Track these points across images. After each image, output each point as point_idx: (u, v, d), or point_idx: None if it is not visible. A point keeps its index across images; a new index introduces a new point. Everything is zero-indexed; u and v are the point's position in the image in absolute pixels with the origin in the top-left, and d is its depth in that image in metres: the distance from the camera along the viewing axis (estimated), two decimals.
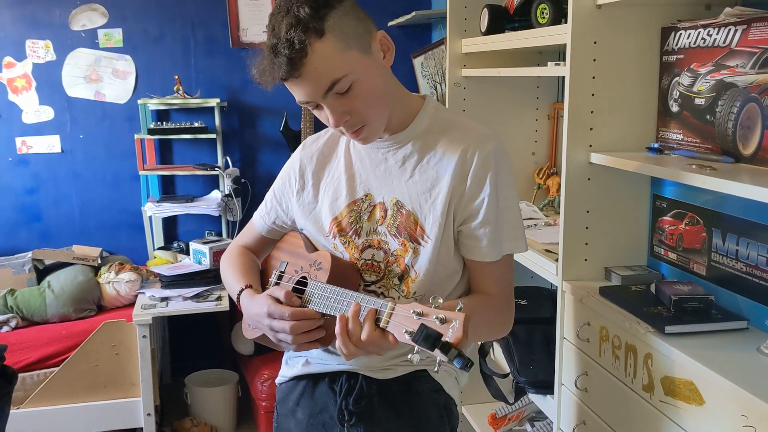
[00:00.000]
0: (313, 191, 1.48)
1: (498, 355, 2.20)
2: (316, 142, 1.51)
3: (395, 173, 1.39)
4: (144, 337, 3.00)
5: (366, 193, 1.41)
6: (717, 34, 1.54)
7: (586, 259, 1.81)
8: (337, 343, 1.20)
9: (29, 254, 3.37)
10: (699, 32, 1.59)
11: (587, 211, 1.79)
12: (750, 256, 1.51)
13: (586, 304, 1.71)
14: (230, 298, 3.18)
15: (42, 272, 3.35)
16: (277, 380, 1.57)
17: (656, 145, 1.71)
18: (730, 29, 1.50)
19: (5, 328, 3.08)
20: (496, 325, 1.42)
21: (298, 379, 1.49)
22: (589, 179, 1.77)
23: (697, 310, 1.51)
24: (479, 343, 2.18)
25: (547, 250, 2.00)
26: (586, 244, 1.80)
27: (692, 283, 1.61)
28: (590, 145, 1.75)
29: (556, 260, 1.84)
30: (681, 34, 1.66)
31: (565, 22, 1.76)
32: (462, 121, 1.41)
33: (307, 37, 1.20)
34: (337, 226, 1.42)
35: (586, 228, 1.79)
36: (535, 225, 2.31)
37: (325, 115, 1.29)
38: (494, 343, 2.20)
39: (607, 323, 1.64)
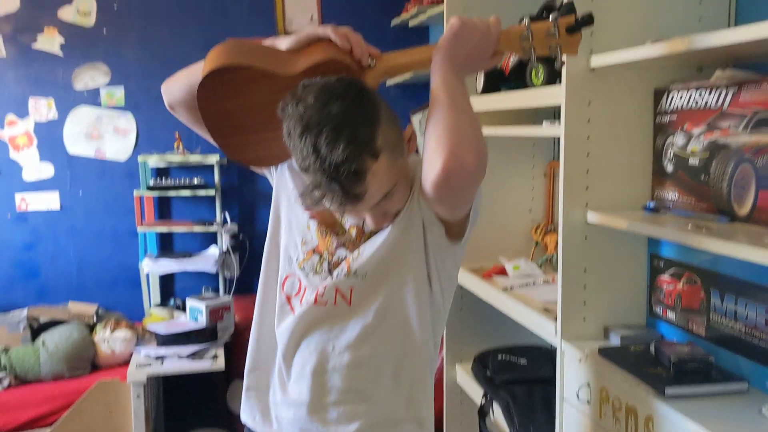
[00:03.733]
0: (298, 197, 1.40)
1: (498, 416, 2.16)
2: None
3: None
4: (138, 396, 2.95)
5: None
6: (709, 95, 1.56)
7: (584, 318, 1.80)
8: None
9: (24, 311, 3.35)
10: (691, 94, 1.62)
11: (585, 270, 1.78)
12: (749, 316, 1.50)
13: (586, 365, 1.69)
14: (226, 357, 3.13)
15: (37, 330, 3.32)
16: None
17: (652, 204, 1.72)
18: (721, 91, 1.52)
19: None
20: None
21: None
22: (586, 238, 1.77)
23: (696, 371, 1.49)
24: (479, 405, 2.14)
25: (546, 309, 1.98)
26: (585, 303, 1.79)
27: (692, 344, 1.60)
28: (586, 204, 1.76)
29: (555, 319, 1.82)
30: (674, 95, 1.68)
31: (560, 82, 1.78)
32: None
33: (364, 162, 1.16)
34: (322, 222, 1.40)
35: (584, 287, 1.78)
36: (534, 282, 2.29)
37: (356, 213, 1.30)
38: (494, 403, 2.17)
39: (607, 384, 1.61)
